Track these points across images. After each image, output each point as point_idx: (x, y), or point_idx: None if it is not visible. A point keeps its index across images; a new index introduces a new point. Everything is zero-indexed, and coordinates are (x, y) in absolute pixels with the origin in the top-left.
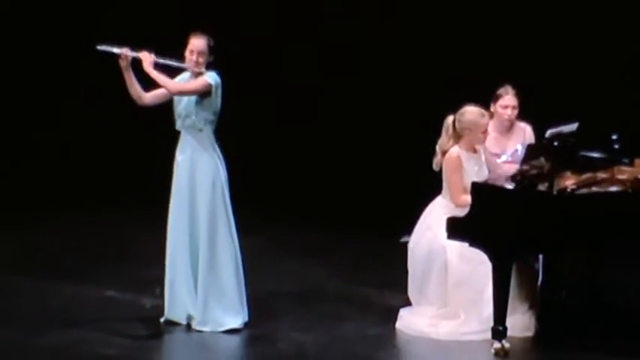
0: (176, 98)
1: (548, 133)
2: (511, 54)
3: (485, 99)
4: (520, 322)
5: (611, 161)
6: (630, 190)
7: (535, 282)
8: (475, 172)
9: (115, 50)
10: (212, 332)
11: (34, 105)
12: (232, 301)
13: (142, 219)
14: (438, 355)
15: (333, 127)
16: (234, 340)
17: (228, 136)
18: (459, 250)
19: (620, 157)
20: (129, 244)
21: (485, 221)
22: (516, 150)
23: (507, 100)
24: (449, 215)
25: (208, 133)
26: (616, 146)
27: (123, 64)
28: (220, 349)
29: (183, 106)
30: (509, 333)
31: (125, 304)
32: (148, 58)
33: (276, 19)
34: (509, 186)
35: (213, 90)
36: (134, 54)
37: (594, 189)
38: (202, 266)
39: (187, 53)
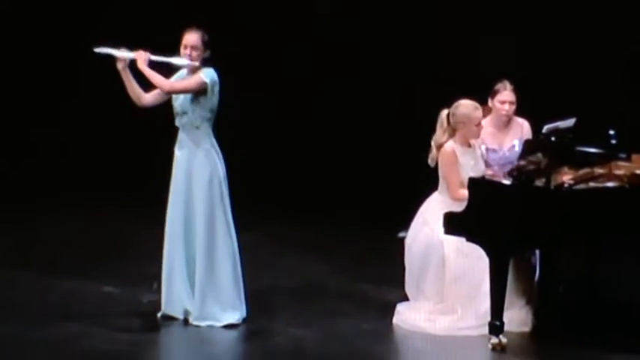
0: (174, 95)
1: (546, 128)
2: (509, 50)
3: (483, 94)
4: (517, 317)
5: (608, 157)
6: (627, 186)
7: (532, 277)
8: (471, 166)
9: (112, 52)
10: (210, 327)
11: (33, 105)
12: (230, 298)
13: (141, 215)
14: (435, 350)
15: (331, 123)
16: (232, 335)
17: (228, 133)
18: (456, 246)
19: (617, 152)
20: (128, 240)
21: (483, 216)
22: (513, 145)
23: (505, 95)
24: (446, 210)
25: (206, 130)
26: (613, 141)
27: (120, 65)
28: (218, 343)
29: (179, 103)
30: (506, 328)
31: (123, 299)
32: (142, 57)
33: (275, 17)
34: (507, 181)
35: (209, 88)
36: (130, 54)
37: (591, 184)
38: (200, 262)
39: (181, 48)
